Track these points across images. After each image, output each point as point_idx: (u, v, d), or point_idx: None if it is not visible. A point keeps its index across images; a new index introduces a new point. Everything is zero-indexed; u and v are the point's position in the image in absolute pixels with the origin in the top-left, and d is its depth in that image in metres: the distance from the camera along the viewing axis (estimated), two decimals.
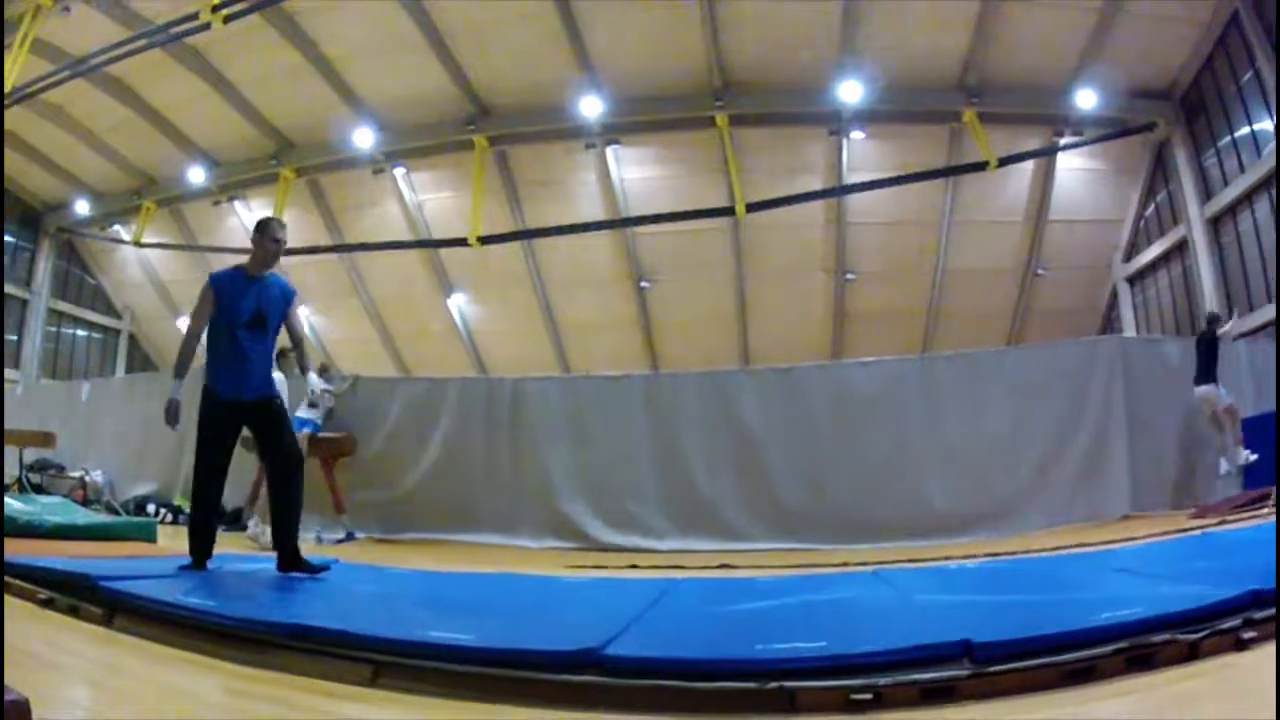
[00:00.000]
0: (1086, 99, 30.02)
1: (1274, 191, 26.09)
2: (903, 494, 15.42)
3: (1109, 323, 36.61)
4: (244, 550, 11.61)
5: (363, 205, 37.25)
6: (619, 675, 4.06)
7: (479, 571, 9.53)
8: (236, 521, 15.96)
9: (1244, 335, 24.22)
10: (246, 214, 38.24)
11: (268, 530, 13.24)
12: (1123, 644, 4.04)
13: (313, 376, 14.69)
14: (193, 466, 8.05)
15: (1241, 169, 27.52)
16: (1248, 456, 14.80)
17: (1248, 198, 27.36)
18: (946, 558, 10.95)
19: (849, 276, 36.78)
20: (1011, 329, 37.66)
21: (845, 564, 11.13)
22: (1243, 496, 14.71)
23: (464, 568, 7.58)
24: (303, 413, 15.49)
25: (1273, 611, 4.44)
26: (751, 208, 29.17)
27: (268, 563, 8.05)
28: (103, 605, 5.60)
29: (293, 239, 31.83)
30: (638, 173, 34.52)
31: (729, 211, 30.05)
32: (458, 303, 40.04)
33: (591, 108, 31.68)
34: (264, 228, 8.33)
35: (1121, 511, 15.07)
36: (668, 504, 15.97)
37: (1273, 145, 25.48)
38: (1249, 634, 4.23)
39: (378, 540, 15.83)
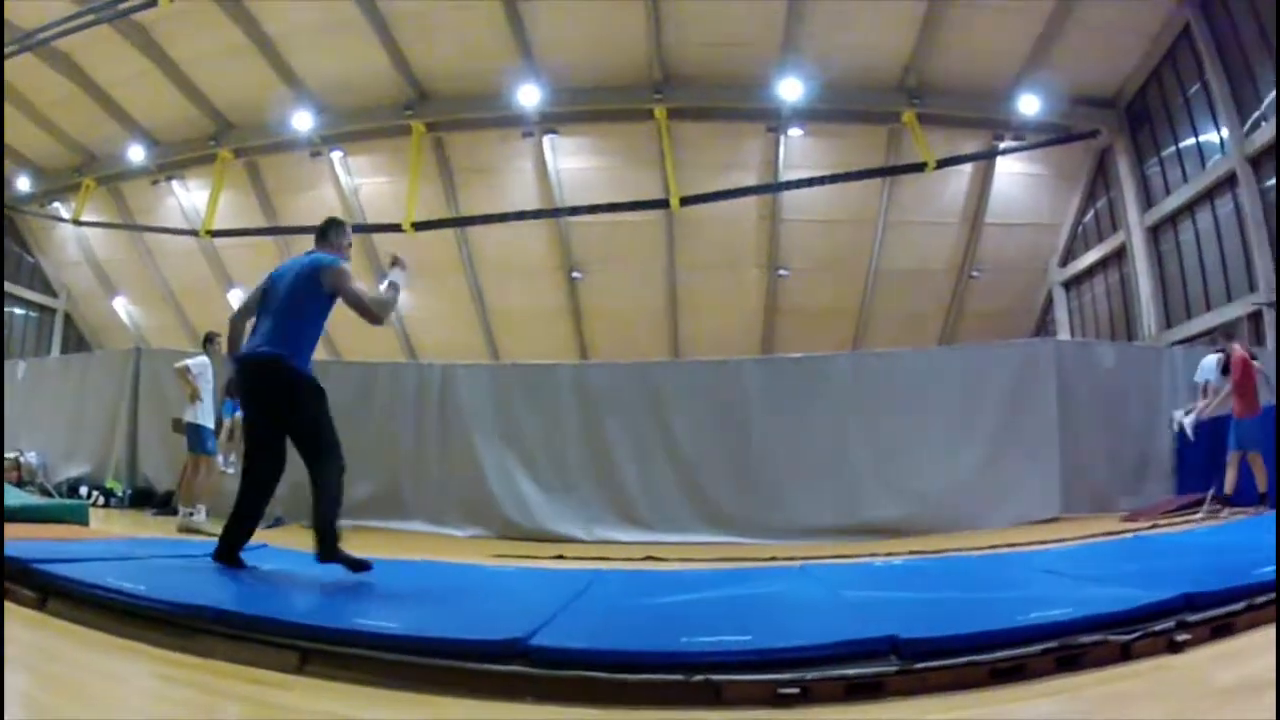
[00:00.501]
0: (1029, 104, 30.26)
1: (1214, 202, 26.44)
2: (832, 490, 15.52)
3: (1044, 326, 36.97)
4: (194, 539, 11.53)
5: (299, 188, 37.06)
6: (545, 666, 4.04)
7: (406, 559, 9.51)
8: (167, 505, 15.89)
9: (1180, 343, 24.48)
10: (185, 194, 38.23)
11: (201, 511, 13.29)
12: (1052, 643, 4.06)
13: None
14: (336, 457, 7.74)
15: (1185, 179, 27.84)
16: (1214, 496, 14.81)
17: (1189, 208, 27.71)
18: (874, 555, 11.01)
19: (782, 273, 36.97)
20: (944, 329, 38.00)
21: (773, 559, 11.16)
22: (1174, 501, 14.85)
23: (391, 555, 7.53)
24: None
25: (1207, 615, 4.49)
26: (686, 201, 29.03)
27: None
28: (36, 589, 5.52)
29: (228, 221, 31.45)
30: (574, 163, 34.62)
31: (663, 204, 30.00)
32: None
33: (530, 96, 31.73)
34: (341, 228, 8.05)
35: (1052, 513, 15.17)
36: (594, 494, 16.06)
37: (1218, 157, 25.83)
38: (1183, 636, 4.26)
39: (305, 526, 15.78)
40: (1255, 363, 14.07)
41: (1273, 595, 4.77)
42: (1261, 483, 13.19)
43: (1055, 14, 27.39)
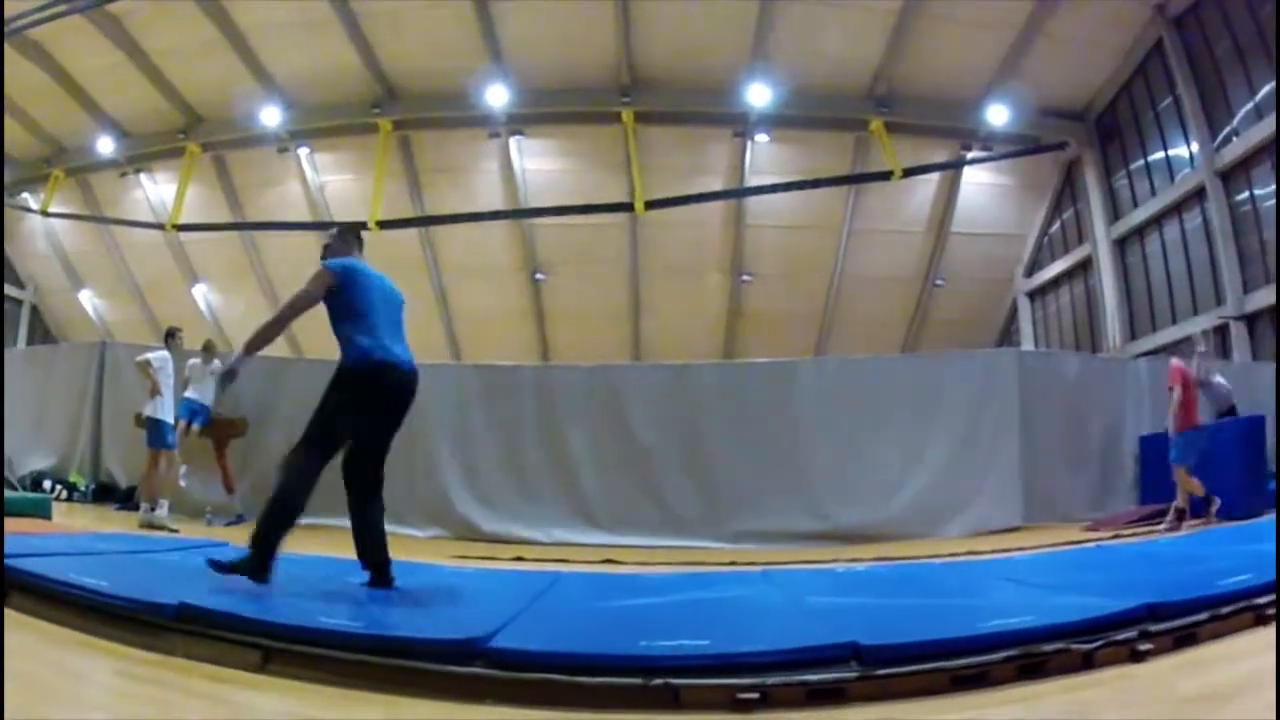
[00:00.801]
0: (998, 115, 30.45)
1: (1181, 216, 26.65)
2: (794, 496, 15.44)
3: (1008, 335, 37.15)
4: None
5: (266, 184, 37.04)
6: (505, 667, 4.04)
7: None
8: (130, 500, 15.80)
9: (1144, 355, 24.57)
10: (152, 187, 38.01)
11: (164, 506, 13.21)
12: (1014, 651, 4.06)
13: (216, 361, 14.65)
14: None
15: (1153, 192, 28.09)
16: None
17: (1157, 221, 27.90)
18: (835, 560, 11.02)
19: (745, 278, 37.07)
20: (907, 337, 38.09)
21: (733, 564, 11.16)
22: (1137, 512, 14.89)
23: (351, 554, 7.45)
24: (190, 394, 15.36)
25: (1170, 625, 4.50)
26: (651, 205, 29.15)
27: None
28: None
29: (194, 215, 31.20)
30: (540, 165, 34.64)
31: (628, 207, 30.07)
32: None
33: (498, 97, 31.75)
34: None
35: (1014, 522, 15.10)
36: (554, 497, 15.97)
37: (1187, 171, 26.10)
38: (1145, 646, 4.26)
39: None
40: (1193, 372, 14.18)
41: (1239, 605, 4.79)
42: (1197, 490, 13.23)
43: (1027, 25, 27.54)
